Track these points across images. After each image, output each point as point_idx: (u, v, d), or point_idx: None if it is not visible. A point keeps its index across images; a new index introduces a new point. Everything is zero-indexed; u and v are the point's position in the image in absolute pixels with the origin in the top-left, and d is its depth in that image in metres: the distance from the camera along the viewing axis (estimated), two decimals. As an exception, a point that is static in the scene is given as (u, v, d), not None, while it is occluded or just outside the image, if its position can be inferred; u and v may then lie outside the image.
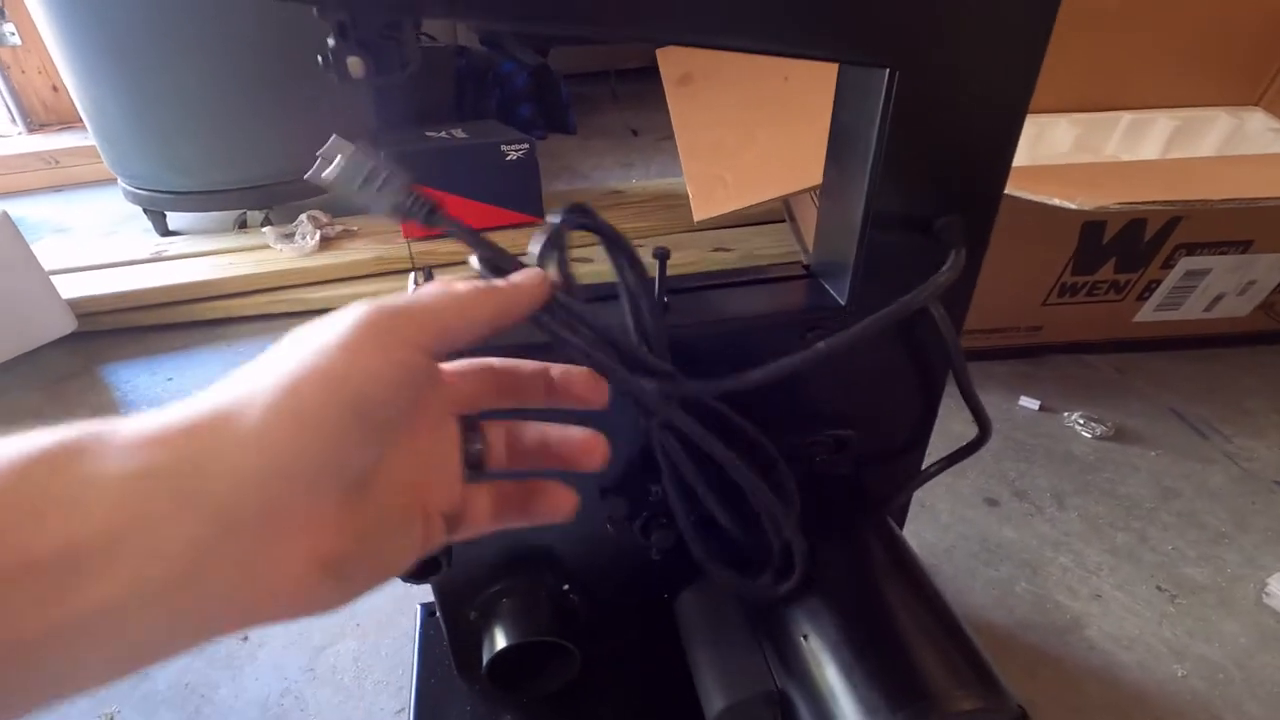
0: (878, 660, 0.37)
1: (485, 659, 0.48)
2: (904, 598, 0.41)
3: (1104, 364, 0.96)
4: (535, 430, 0.29)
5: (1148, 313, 0.93)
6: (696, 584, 0.50)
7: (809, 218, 1.20)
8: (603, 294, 0.37)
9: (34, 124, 2.47)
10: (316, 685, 0.59)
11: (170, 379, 1.02)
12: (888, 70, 0.35)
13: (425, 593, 0.68)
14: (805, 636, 0.40)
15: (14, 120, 2.49)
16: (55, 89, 2.54)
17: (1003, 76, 0.36)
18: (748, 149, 0.84)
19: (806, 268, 0.48)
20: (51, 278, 1.02)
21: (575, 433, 0.29)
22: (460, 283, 0.24)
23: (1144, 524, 0.73)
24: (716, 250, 1.32)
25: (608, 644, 0.52)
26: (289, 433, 0.19)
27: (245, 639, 0.63)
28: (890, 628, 0.39)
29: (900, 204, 0.39)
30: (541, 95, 2.11)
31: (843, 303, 0.43)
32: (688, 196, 1.53)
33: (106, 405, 0.96)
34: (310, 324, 0.21)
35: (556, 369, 0.29)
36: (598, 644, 0.50)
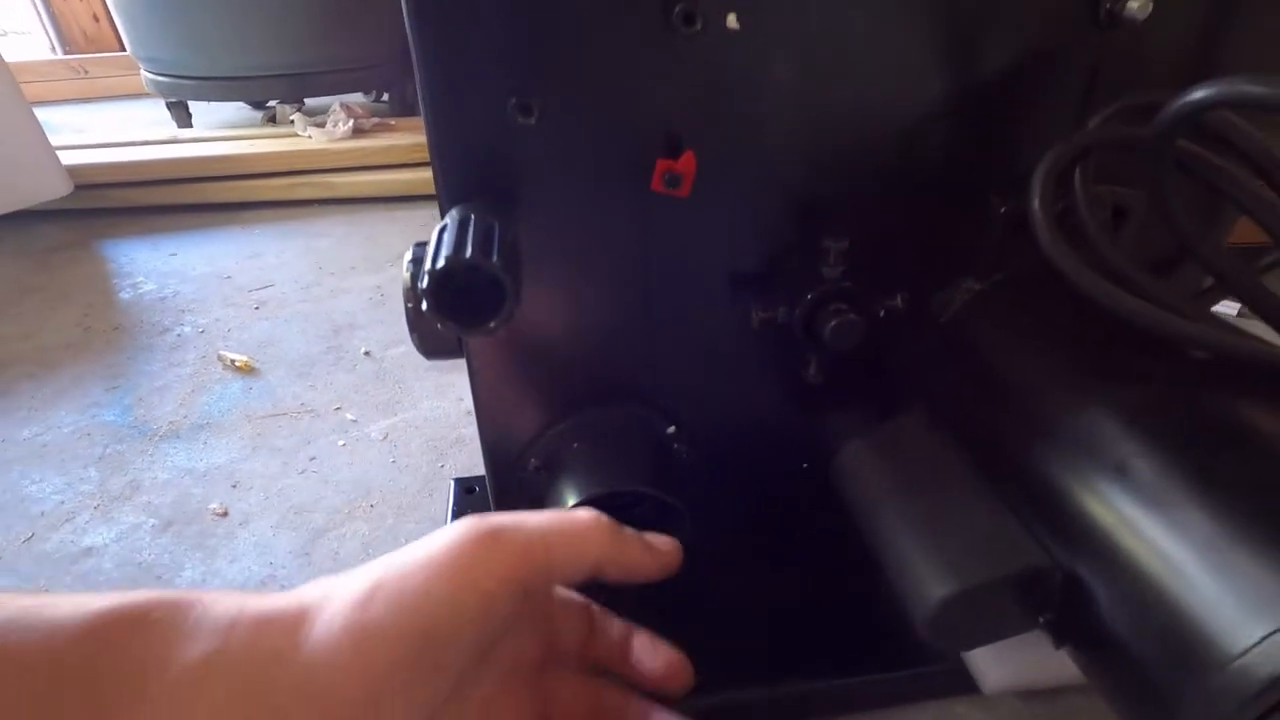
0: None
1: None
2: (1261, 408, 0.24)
3: None
4: (618, 634, 0.26)
5: None
6: (871, 432, 0.33)
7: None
8: None
9: (73, 54, 2.39)
10: (310, 573, 0.43)
11: (174, 254, 0.88)
12: None
13: (458, 469, 0.52)
14: (1122, 468, 0.23)
15: (54, 49, 2.42)
16: (96, 18, 2.45)
17: None
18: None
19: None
20: (57, 153, 0.89)
21: (661, 656, 0.25)
22: (584, 512, 0.23)
23: None
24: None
25: (727, 517, 0.36)
26: (350, 654, 0.17)
27: (225, 514, 0.47)
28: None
29: None
30: None
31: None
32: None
33: (98, 276, 0.82)
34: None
35: (639, 641, 0.26)
36: (715, 516, 0.34)
